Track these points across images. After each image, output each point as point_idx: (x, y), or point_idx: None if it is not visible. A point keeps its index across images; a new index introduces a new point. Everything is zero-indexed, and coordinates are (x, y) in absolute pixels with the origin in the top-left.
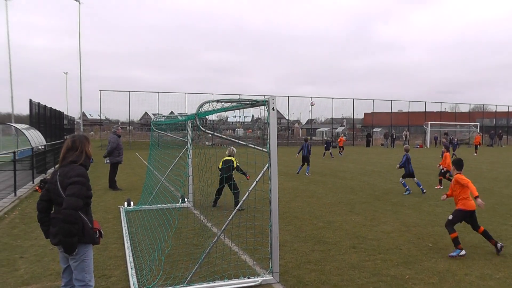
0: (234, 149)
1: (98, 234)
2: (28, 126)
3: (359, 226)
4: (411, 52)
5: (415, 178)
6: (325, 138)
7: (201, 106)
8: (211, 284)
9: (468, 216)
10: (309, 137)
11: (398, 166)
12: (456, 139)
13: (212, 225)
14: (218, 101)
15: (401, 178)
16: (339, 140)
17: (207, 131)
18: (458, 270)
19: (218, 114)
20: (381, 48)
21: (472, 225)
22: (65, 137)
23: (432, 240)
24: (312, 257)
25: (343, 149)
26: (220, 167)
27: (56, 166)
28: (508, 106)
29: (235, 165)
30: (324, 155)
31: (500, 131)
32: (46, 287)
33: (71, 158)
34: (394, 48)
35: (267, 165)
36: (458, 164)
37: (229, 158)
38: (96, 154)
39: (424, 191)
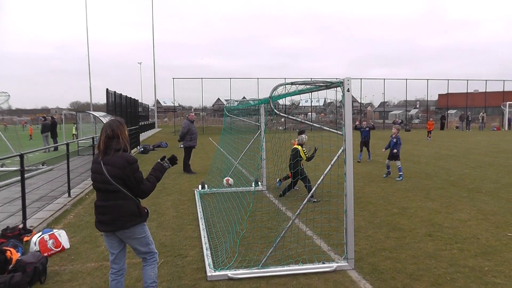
0: (305, 137)
1: (146, 211)
2: (105, 113)
3: (435, 213)
4: (488, 27)
5: (399, 162)
6: (396, 119)
7: (275, 89)
8: (286, 267)
9: None
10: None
11: (395, 151)
12: None
13: (286, 209)
14: (292, 83)
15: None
16: (428, 123)
17: (281, 113)
18: None
19: (290, 98)
20: (456, 26)
21: None
22: (140, 123)
23: (511, 229)
24: (387, 244)
25: (430, 133)
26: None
27: (97, 154)
28: None
29: (300, 155)
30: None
31: (431, 118)
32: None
33: (114, 146)
34: (469, 24)
35: (341, 148)
36: None
37: (296, 146)
38: (170, 139)
39: (398, 179)
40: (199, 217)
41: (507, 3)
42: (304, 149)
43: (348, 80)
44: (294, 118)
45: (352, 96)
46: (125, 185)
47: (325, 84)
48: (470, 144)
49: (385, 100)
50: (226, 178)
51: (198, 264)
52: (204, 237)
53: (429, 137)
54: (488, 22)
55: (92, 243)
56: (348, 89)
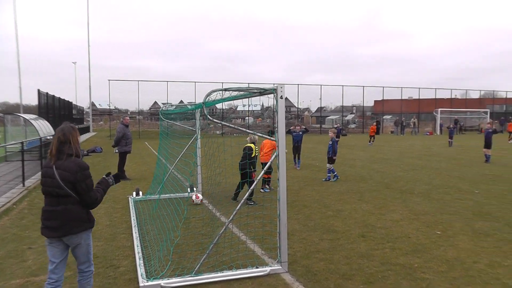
0: (256, 136)
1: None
2: (36, 116)
3: (368, 214)
4: (421, 39)
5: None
6: (336, 125)
7: (208, 94)
8: (220, 274)
9: None
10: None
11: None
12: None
13: (221, 215)
14: (226, 89)
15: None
16: (370, 128)
17: (214, 120)
18: (467, 258)
19: (228, 102)
20: (392, 36)
21: None
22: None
23: (441, 228)
24: (321, 246)
25: (374, 138)
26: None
27: (48, 159)
28: None
29: (253, 154)
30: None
31: (511, 117)
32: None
33: (67, 151)
34: (405, 35)
35: (275, 153)
36: None
37: (249, 145)
38: (105, 143)
39: (328, 180)
40: (133, 226)
41: (438, 17)
42: (256, 147)
43: (281, 87)
44: (227, 124)
45: (290, 101)
46: (75, 191)
47: (259, 91)
48: (404, 148)
49: (322, 106)
50: (196, 194)
51: (131, 275)
52: (137, 246)
53: (371, 142)
54: (422, 34)
55: (18, 258)
56: (281, 96)
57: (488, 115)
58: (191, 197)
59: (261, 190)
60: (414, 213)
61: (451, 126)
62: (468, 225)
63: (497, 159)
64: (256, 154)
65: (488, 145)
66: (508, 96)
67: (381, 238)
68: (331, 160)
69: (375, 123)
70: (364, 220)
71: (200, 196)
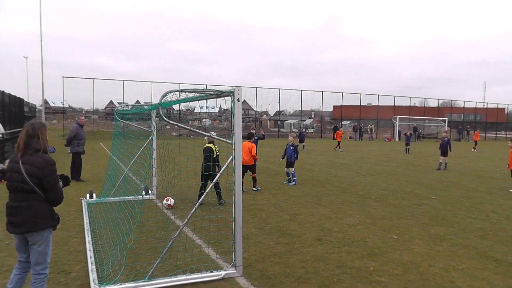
0: (214, 133)
1: (58, 217)
2: None
3: (325, 218)
4: (382, 47)
5: (292, 169)
6: (300, 129)
7: (164, 95)
8: (173, 278)
9: None
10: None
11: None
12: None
13: (175, 218)
14: (182, 90)
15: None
16: (336, 134)
17: (170, 121)
18: (422, 261)
19: (185, 104)
20: (352, 42)
21: None
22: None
23: (397, 232)
24: (276, 250)
25: (338, 144)
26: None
27: (15, 154)
28: (476, 102)
29: (214, 155)
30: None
31: (468, 126)
32: (2, 284)
33: (35, 146)
34: (365, 42)
35: (231, 157)
36: None
37: (208, 145)
38: (58, 143)
39: (290, 183)
40: (86, 229)
41: (398, 26)
42: (216, 147)
43: (238, 90)
44: (183, 126)
45: (248, 104)
46: (41, 187)
47: (216, 93)
48: (362, 153)
49: (281, 109)
50: (166, 197)
51: (83, 280)
52: (90, 250)
53: (340, 149)
54: (382, 41)
55: None
56: (238, 99)
57: (446, 124)
58: (167, 202)
59: (254, 189)
60: (371, 218)
61: (408, 133)
62: (424, 230)
63: (455, 166)
64: (218, 154)
65: (444, 153)
66: (466, 106)
67: (337, 242)
68: (291, 164)
69: (341, 128)
70: (320, 224)
71: (171, 200)
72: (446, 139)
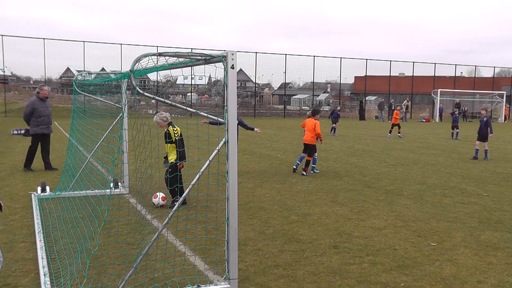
0: (166, 114)
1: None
2: None
3: (343, 220)
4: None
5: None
6: (334, 106)
7: (137, 60)
8: None
9: None
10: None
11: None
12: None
13: (153, 218)
14: (160, 54)
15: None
16: (394, 114)
17: (145, 93)
18: (468, 276)
19: (163, 74)
20: None
21: None
22: None
23: (436, 238)
24: (281, 260)
25: (394, 127)
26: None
27: None
28: None
29: (173, 138)
30: (332, 132)
31: None
32: None
33: None
34: None
35: (223, 140)
36: None
37: (167, 130)
38: None
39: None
40: (36, 232)
41: None
42: (174, 129)
43: (232, 54)
44: (163, 100)
45: (245, 74)
46: None
47: (203, 58)
48: (392, 137)
49: (287, 81)
50: (162, 195)
51: None
52: (42, 258)
53: (398, 133)
54: None
55: None
56: (233, 65)
57: (504, 99)
58: (157, 200)
59: (304, 173)
60: (402, 220)
61: (455, 112)
62: (471, 236)
63: None
64: (180, 138)
65: (482, 137)
66: None
67: (358, 250)
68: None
69: (398, 107)
70: (337, 227)
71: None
72: (484, 118)
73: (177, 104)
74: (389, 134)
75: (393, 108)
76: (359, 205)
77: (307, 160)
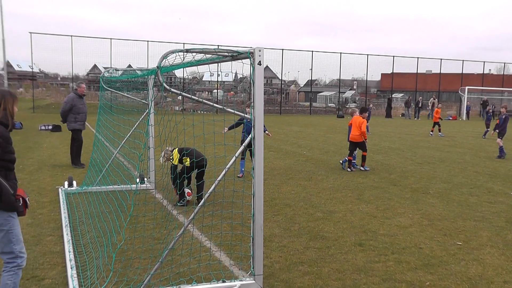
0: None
1: (21, 202)
2: None
3: (368, 217)
4: None
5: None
6: (366, 104)
7: (165, 57)
8: None
9: None
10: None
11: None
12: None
13: (178, 213)
14: (187, 50)
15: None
16: (435, 112)
17: (172, 89)
18: (495, 276)
19: (190, 70)
20: None
21: None
22: None
23: (462, 237)
24: (306, 256)
25: (435, 125)
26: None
27: None
28: None
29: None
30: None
31: None
32: None
33: None
34: None
35: (249, 136)
36: None
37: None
38: (27, 118)
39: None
40: (64, 225)
41: None
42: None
43: (259, 51)
44: (190, 96)
45: (271, 71)
46: None
47: (230, 54)
48: (418, 135)
49: (313, 78)
50: (187, 191)
51: None
52: (69, 251)
53: (438, 131)
54: None
55: None
56: (260, 62)
57: None
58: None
59: (361, 168)
60: (428, 218)
61: (490, 110)
62: (498, 235)
63: None
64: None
65: (500, 134)
66: None
67: (384, 248)
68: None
69: (439, 105)
70: (362, 225)
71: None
72: (503, 116)
73: (204, 101)
74: (431, 133)
75: (420, 105)
76: (384, 203)
77: (363, 155)
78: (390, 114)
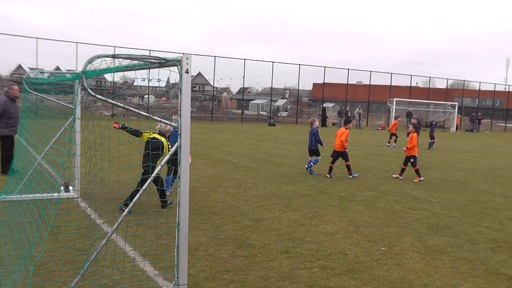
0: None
1: None
2: None
3: (296, 225)
4: (378, 10)
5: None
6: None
7: (90, 61)
8: None
9: None
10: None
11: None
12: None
13: (103, 223)
14: (113, 56)
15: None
16: (392, 124)
17: (97, 95)
18: (415, 279)
19: (121, 74)
20: (338, 3)
21: None
22: None
23: (386, 243)
24: (232, 265)
25: (396, 137)
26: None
27: None
28: (495, 84)
29: (165, 152)
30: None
31: (480, 113)
32: None
33: None
34: (356, 4)
35: (176, 144)
36: None
37: (157, 137)
38: None
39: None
40: None
41: None
42: (169, 143)
43: (187, 59)
44: (114, 102)
45: (204, 78)
46: None
47: (158, 62)
48: (348, 144)
49: (246, 86)
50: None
51: None
52: None
53: (394, 144)
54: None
55: None
56: (187, 70)
57: (456, 110)
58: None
59: (349, 176)
60: (354, 225)
61: (433, 122)
62: (420, 241)
63: (464, 163)
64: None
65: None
66: (482, 88)
67: (309, 254)
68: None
69: (399, 117)
70: (289, 233)
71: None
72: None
73: (129, 108)
74: (387, 144)
75: (349, 115)
76: (312, 210)
77: (346, 165)
78: (325, 123)
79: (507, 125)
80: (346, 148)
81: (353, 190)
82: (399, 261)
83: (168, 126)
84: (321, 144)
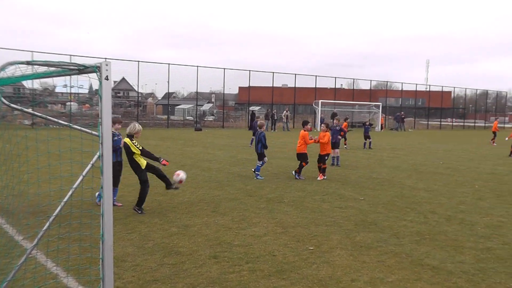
0: (138, 126)
1: None
2: None
3: (224, 229)
4: (290, 14)
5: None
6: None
7: (2, 69)
8: None
9: None
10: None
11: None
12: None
13: (23, 239)
14: (28, 63)
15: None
16: (343, 126)
17: (11, 104)
18: (343, 276)
19: (41, 81)
20: (262, 6)
21: None
22: None
23: (314, 242)
24: (160, 274)
25: (345, 139)
26: None
27: None
28: (417, 84)
29: (132, 150)
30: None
31: (402, 112)
32: None
33: None
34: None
35: (97, 153)
36: None
37: (125, 140)
38: None
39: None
40: None
41: None
42: (134, 142)
43: (107, 65)
44: (30, 112)
45: (128, 83)
46: None
47: (76, 68)
48: (274, 146)
49: (171, 91)
50: (176, 172)
51: None
52: None
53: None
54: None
55: None
56: (107, 76)
57: (380, 110)
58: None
59: (296, 177)
60: (282, 226)
61: (367, 123)
62: (348, 238)
63: (389, 160)
64: (135, 152)
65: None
66: (404, 89)
67: (238, 258)
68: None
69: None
70: (217, 237)
71: (182, 174)
72: (337, 127)
73: (47, 117)
74: (345, 146)
75: (276, 118)
76: (240, 214)
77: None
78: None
79: (429, 122)
80: (317, 142)
81: (281, 191)
82: (327, 259)
83: (137, 127)
84: (266, 148)
